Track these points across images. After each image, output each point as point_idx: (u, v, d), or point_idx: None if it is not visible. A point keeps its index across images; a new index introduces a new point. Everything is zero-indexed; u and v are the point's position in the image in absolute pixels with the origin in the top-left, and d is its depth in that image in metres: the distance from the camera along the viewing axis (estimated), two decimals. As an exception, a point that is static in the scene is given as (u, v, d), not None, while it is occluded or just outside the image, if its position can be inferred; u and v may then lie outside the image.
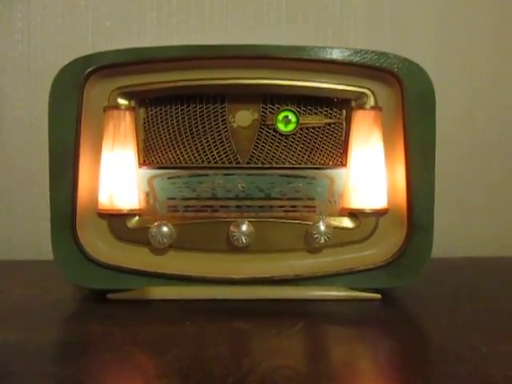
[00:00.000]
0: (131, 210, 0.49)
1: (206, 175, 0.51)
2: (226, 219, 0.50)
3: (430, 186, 0.49)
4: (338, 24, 0.76)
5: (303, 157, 0.51)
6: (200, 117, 0.51)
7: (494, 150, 0.79)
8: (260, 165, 0.51)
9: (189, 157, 0.51)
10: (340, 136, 0.51)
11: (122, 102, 0.49)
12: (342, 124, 0.51)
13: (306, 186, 0.51)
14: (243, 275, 0.49)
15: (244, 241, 0.49)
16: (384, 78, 0.49)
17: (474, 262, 0.71)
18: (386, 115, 0.50)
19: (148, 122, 0.51)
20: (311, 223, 0.49)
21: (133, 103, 0.49)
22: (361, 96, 0.49)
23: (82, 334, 0.40)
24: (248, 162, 0.51)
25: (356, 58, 0.48)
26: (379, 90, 0.49)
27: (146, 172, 0.51)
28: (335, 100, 0.51)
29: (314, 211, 0.51)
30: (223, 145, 0.51)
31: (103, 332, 0.41)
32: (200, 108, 0.51)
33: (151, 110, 0.51)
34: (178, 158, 0.51)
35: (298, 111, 0.51)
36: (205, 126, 0.51)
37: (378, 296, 0.50)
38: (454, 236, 0.76)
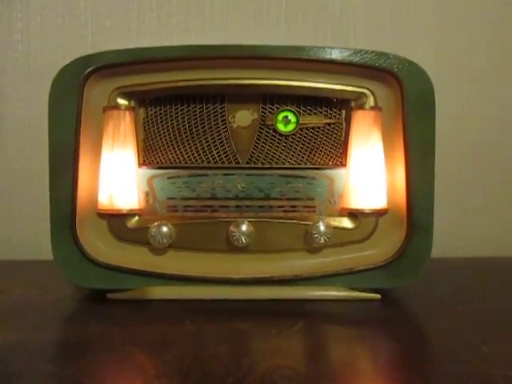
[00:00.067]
0: (131, 210, 0.49)
1: (206, 175, 0.51)
2: (226, 219, 0.50)
3: (429, 186, 0.49)
4: (337, 24, 0.76)
5: (303, 157, 0.51)
6: (200, 117, 0.51)
7: (493, 150, 0.79)
8: (260, 165, 0.51)
9: (188, 157, 0.51)
10: (340, 136, 0.51)
11: (121, 102, 0.49)
12: (341, 124, 0.51)
13: (306, 186, 0.51)
14: (243, 275, 0.49)
15: (244, 241, 0.49)
16: (384, 78, 0.49)
17: (474, 262, 0.71)
18: (386, 115, 0.50)
19: (148, 122, 0.51)
20: (311, 223, 0.49)
21: (132, 103, 0.49)
22: (360, 96, 0.49)
23: (82, 334, 0.40)
24: (248, 162, 0.51)
25: (356, 58, 0.48)
26: (379, 90, 0.49)
27: (146, 172, 0.51)
28: (335, 100, 0.51)
29: (314, 211, 0.51)
30: (223, 145, 0.51)
31: (103, 332, 0.41)
32: (200, 108, 0.51)
33: (151, 110, 0.51)
34: (178, 158, 0.51)
35: (298, 111, 0.51)
36: (204, 126, 0.51)
37: (378, 296, 0.50)
38: (453, 236, 0.76)
